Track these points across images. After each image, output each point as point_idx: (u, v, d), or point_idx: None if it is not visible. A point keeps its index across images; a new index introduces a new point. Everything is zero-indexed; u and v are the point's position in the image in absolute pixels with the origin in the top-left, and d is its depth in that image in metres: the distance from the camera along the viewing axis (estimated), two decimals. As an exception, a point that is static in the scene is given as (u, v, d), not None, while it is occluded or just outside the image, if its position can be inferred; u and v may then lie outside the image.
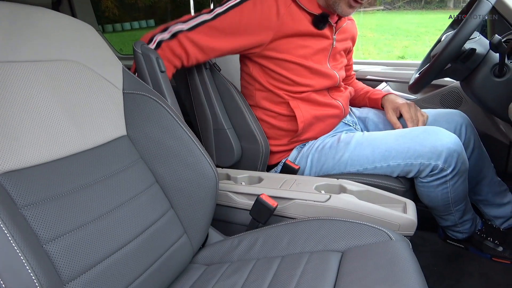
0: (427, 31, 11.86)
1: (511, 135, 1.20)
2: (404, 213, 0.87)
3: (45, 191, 0.59)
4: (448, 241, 1.35)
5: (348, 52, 1.35)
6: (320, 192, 0.94)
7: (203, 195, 0.83)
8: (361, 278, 0.64)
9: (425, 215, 1.30)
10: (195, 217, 0.83)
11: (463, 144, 1.15)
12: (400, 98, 1.28)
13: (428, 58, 1.26)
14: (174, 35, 1.08)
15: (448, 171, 1.00)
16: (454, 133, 1.15)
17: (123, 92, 0.84)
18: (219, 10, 1.08)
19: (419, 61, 1.38)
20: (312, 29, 1.13)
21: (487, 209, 1.26)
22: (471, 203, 1.26)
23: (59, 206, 0.60)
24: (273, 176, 1.05)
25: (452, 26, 1.25)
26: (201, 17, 1.08)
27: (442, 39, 1.21)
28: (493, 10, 1.24)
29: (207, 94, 1.18)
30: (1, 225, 0.47)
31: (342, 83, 1.31)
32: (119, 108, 0.83)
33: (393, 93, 1.34)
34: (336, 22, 1.20)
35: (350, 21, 1.31)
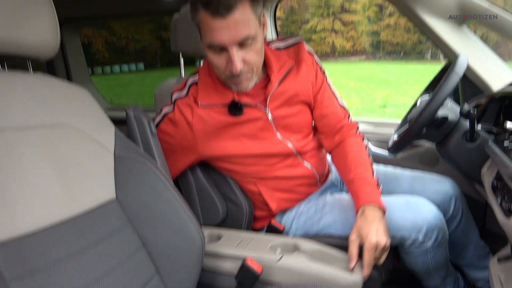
0: (406, 81, 12.44)
1: (486, 196, 1.26)
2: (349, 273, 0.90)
3: (34, 262, 0.60)
4: (432, 299, 1.35)
5: (314, 98, 1.16)
6: (276, 251, 0.96)
7: (189, 260, 0.84)
8: None
9: (410, 272, 1.32)
10: (181, 282, 0.83)
11: (452, 214, 1.19)
12: (373, 224, 0.94)
13: (405, 120, 1.34)
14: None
15: (429, 244, 1.02)
16: (442, 203, 1.16)
17: (114, 155, 0.87)
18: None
19: (398, 120, 1.47)
20: (232, 119, 1.07)
21: (470, 271, 1.28)
22: (455, 264, 1.28)
23: (47, 277, 0.60)
24: (232, 234, 1.06)
25: (427, 90, 1.34)
26: None
27: (417, 104, 1.29)
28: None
29: None
30: None
31: (310, 142, 1.19)
32: (110, 171, 0.84)
33: (369, 211, 0.98)
34: (266, 88, 1.09)
35: (298, 64, 1.13)
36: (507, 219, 0.72)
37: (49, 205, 0.68)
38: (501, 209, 0.77)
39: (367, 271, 0.90)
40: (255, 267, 0.87)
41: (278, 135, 1.12)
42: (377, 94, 10.28)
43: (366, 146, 1.17)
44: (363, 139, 1.19)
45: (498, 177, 0.89)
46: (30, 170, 0.68)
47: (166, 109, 1.13)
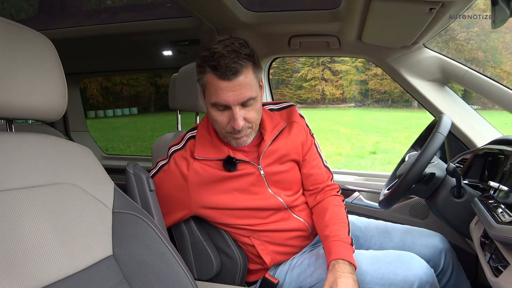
0: (395, 128, 12.72)
1: (475, 249, 1.28)
2: None
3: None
4: None
5: (299, 162, 1.23)
6: None
7: (184, 317, 0.83)
8: None
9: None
10: None
11: (442, 268, 1.20)
12: (342, 278, 0.98)
13: (394, 175, 1.38)
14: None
15: None
16: (433, 258, 1.18)
17: (112, 212, 0.89)
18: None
19: (389, 173, 1.52)
20: (225, 173, 1.12)
21: None
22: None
23: None
24: None
25: (414, 147, 1.40)
26: None
27: (406, 159, 1.34)
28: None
29: None
30: None
31: (300, 197, 1.24)
32: (108, 227, 0.86)
33: (338, 266, 1.01)
34: (259, 146, 1.16)
35: (289, 125, 1.21)
36: (496, 278, 0.74)
37: (49, 264, 0.69)
38: (489, 268, 0.80)
39: None
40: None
41: (270, 190, 1.16)
42: (367, 140, 10.47)
43: (345, 207, 1.22)
44: (343, 200, 1.25)
45: (486, 235, 0.92)
46: (31, 229, 0.70)
47: (161, 162, 1.17)
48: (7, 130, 0.83)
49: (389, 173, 1.50)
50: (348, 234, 1.11)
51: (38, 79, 0.79)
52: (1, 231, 0.65)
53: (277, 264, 1.21)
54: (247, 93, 1.01)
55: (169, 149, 1.18)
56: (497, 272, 0.75)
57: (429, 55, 1.51)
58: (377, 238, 1.29)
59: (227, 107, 1.03)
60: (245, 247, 1.21)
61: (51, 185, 0.78)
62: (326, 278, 1.00)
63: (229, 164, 1.11)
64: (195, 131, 1.19)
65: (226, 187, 1.13)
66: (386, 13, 1.17)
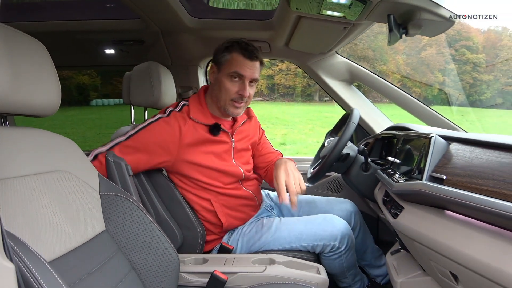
0: (300, 120, 13.66)
1: (378, 212, 1.67)
2: (318, 274, 1.19)
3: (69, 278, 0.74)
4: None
5: (256, 144, 1.60)
6: (256, 265, 1.21)
7: (170, 277, 1.02)
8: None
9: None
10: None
11: (353, 226, 1.58)
12: (283, 163, 1.39)
13: (317, 157, 1.71)
14: (94, 157, 1.24)
15: (342, 248, 1.39)
16: (346, 218, 1.55)
17: (100, 194, 1.03)
18: (131, 132, 1.33)
19: (312, 157, 1.84)
20: (210, 136, 1.39)
21: (371, 270, 1.67)
22: (360, 266, 1.65)
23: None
24: (215, 256, 1.28)
25: (330, 134, 1.74)
26: (116, 139, 1.31)
27: (325, 144, 1.68)
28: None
29: (146, 192, 1.38)
30: None
31: (252, 174, 1.56)
32: (98, 207, 1.00)
33: (280, 160, 1.43)
34: (232, 126, 1.48)
35: (249, 119, 1.57)
36: (395, 219, 1.08)
37: (61, 238, 0.82)
38: (390, 214, 1.14)
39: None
40: (222, 276, 1.09)
41: (233, 160, 1.45)
42: (276, 133, 11.09)
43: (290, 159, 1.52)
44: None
45: (387, 194, 1.27)
46: (44, 209, 0.82)
47: (161, 115, 1.37)
48: (2, 125, 0.92)
49: (307, 157, 1.83)
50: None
51: (37, 79, 0.89)
52: (18, 212, 0.77)
53: (230, 232, 1.45)
54: (257, 74, 1.39)
55: (167, 109, 1.39)
56: (395, 216, 1.09)
57: (340, 60, 1.87)
58: (306, 208, 1.62)
59: (240, 79, 1.36)
60: (204, 216, 1.43)
61: (51, 172, 0.90)
62: (275, 167, 1.38)
63: (215, 129, 1.39)
64: (187, 101, 1.42)
65: (206, 149, 1.38)
66: (311, 28, 1.47)
